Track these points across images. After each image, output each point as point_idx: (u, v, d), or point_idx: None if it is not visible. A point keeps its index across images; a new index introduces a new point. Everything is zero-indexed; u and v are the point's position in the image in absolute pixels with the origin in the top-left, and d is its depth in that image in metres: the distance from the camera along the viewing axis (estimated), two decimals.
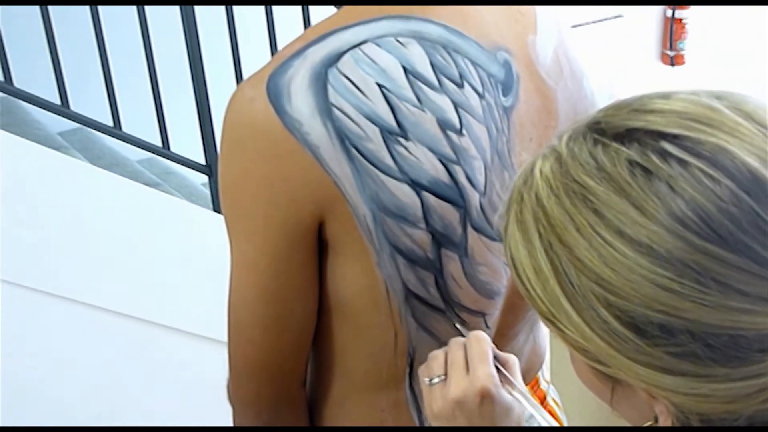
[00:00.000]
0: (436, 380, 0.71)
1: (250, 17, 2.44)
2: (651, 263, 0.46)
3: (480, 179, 0.74)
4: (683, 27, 4.85)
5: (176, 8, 2.22)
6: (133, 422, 2.26)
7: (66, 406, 2.22)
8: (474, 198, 0.74)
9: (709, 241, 0.45)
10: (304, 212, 0.71)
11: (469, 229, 0.75)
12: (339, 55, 0.70)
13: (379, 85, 0.70)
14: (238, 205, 0.74)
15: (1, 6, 2.05)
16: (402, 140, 0.70)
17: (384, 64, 0.70)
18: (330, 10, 0.80)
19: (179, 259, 2.30)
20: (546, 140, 0.79)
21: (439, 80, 0.72)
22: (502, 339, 0.88)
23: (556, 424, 0.70)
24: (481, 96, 0.74)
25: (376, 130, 0.70)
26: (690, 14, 4.82)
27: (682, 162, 0.47)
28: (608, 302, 0.48)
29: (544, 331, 1.00)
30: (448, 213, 0.73)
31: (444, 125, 0.72)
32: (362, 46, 0.71)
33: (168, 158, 2.40)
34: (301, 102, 0.69)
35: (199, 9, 2.26)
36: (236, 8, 2.34)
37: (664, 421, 0.52)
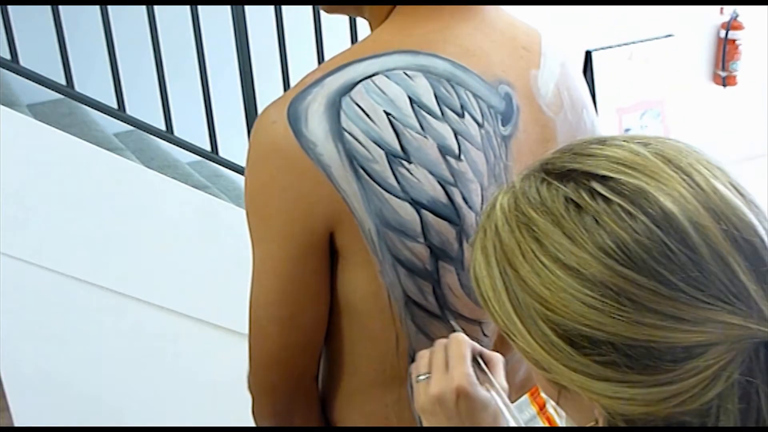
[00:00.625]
0: (422, 378, 0.78)
1: (298, 25, 2.54)
2: (579, 285, 0.54)
3: (476, 200, 0.81)
4: (737, 48, 4.81)
5: (229, 19, 2.33)
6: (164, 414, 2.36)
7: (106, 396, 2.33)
8: (470, 217, 0.81)
9: (626, 267, 0.53)
10: (317, 223, 0.79)
11: (465, 245, 0.82)
12: (352, 85, 0.78)
13: (387, 113, 0.78)
14: (259, 214, 0.83)
15: (65, 17, 2.17)
16: (405, 163, 0.78)
17: (392, 94, 0.78)
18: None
19: (224, 259, 2.40)
20: None
21: (441, 110, 0.79)
22: (502, 347, 0.94)
23: (522, 424, 0.77)
24: (480, 125, 0.81)
25: (382, 153, 0.77)
26: (744, 35, 4.78)
27: (606, 200, 0.55)
28: (546, 317, 0.56)
29: None
30: (445, 230, 0.80)
31: (444, 151, 0.79)
32: (373, 78, 0.78)
33: (215, 162, 2.50)
34: (316, 125, 0.77)
35: (249, 19, 2.36)
36: (285, 17, 2.43)
37: (603, 422, 0.58)
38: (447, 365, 0.77)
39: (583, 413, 0.62)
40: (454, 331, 0.86)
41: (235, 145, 2.52)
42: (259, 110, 2.38)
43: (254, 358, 0.89)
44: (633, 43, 4.15)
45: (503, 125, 0.84)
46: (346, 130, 0.77)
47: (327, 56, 2.50)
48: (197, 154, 2.47)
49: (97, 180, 2.16)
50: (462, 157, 0.80)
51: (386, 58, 0.80)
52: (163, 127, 2.37)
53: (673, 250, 0.52)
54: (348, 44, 2.54)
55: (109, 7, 2.19)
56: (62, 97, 2.52)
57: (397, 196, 0.78)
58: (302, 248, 0.81)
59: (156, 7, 2.25)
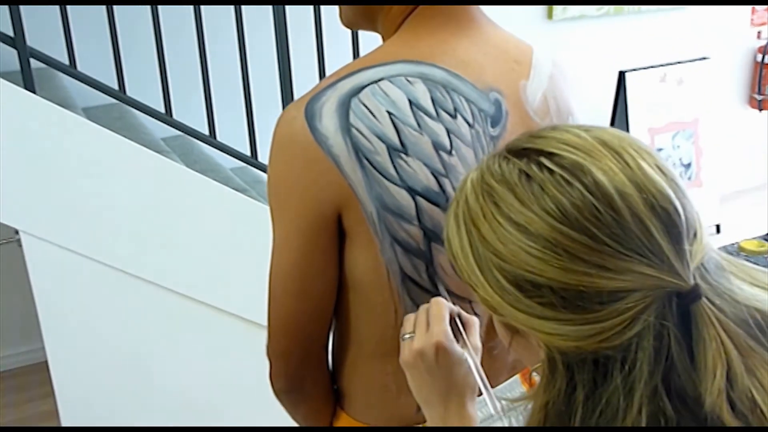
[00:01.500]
0: (407, 336, 0.90)
1: (337, 37, 2.68)
2: (526, 239, 0.66)
3: None
4: None
5: (271, 33, 2.48)
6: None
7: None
8: None
9: (563, 225, 0.65)
10: (326, 205, 0.92)
11: None
12: (361, 88, 0.91)
13: (389, 113, 0.90)
14: (278, 197, 0.96)
15: (120, 26, 2.33)
16: (403, 156, 0.90)
17: (394, 97, 0.91)
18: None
19: (260, 258, 2.53)
20: None
21: (436, 111, 0.91)
22: (493, 330, 1.06)
23: (486, 385, 0.88)
24: (470, 125, 0.93)
25: (384, 146, 0.90)
26: None
27: (551, 171, 0.67)
28: (500, 267, 0.68)
29: None
30: (437, 214, 0.92)
31: (437, 146, 0.91)
32: (379, 82, 0.91)
33: (255, 167, 2.65)
34: (328, 121, 0.90)
35: (290, 31, 2.50)
36: (325, 30, 2.57)
37: (544, 359, 0.70)
38: (428, 325, 0.89)
39: (533, 355, 0.73)
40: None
41: None
42: None
43: (271, 325, 1.01)
44: (668, 65, 4.22)
45: (492, 126, 0.96)
46: (353, 126, 0.90)
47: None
48: (238, 159, 2.62)
49: (144, 179, 2.31)
50: (453, 152, 0.92)
51: (391, 66, 0.93)
52: (207, 132, 2.53)
53: (601, 212, 0.64)
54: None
55: (161, 20, 2.36)
56: (114, 102, 2.70)
57: (395, 184, 0.91)
58: (313, 227, 0.93)
59: (205, 22, 2.42)
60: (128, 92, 2.40)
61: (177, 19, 2.57)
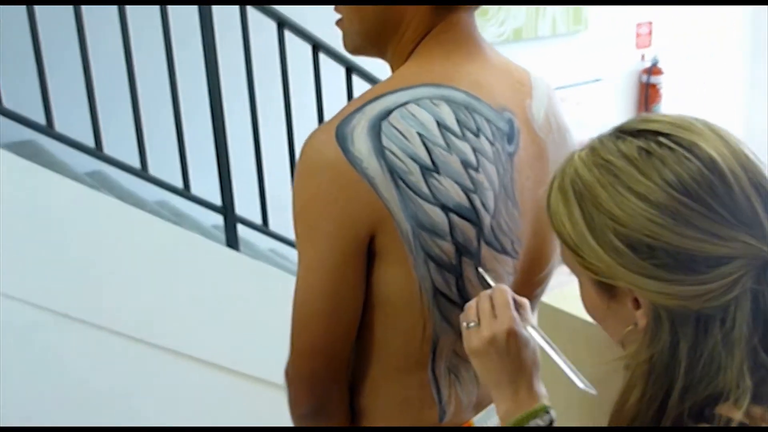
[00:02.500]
0: (471, 325, 0.95)
1: (268, 75, 2.71)
2: (647, 206, 0.75)
3: (491, 205, 0.98)
4: (657, 91, 5.16)
5: (201, 69, 2.49)
6: None
7: None
8: (486, 219, 0.98)
9: (682, 194, 0.74)
10: (361, 227, 0.95)
11: (482, 243, 0.98)
12: (389, 112, 0.95)
13: (419, 134, 0.94)
14: (310, 220, 0.97)
15: (46, 57, 2.28)
16: (435, 174, 0.94)
17: (422, 119, 0.95)
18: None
19: (195, 291, 2.52)
20: (540, 178, 1.05)
21: (461, 131, 0.96)
22: None
23: (561, 357, 0.95)
24: (491, 144, 0.98)
25: (417, 166, 0.94)
26: (664, 79, 5.13)
27: (670, 148, 0.77)
28: (616, 231, 0.76)
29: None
30: (468, 230, 0.97)
31: (465, 164, 0.96)
32: (406, 105, 0.95)
33: (188, 199, 2.63)
34: (361, 144, 0.93)
35: (222, 70, 2.52)
36: (255, 66, 2.61)
37: (641, 324, 0.79)
38: (494, 312, 0.95)
39: (622, 321, 0.82)
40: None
41: (203, 184, 2.67)
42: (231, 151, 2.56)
43: (298, 349, 1.02)
44: (566, 87, 4.43)
45: (508, 143, 1.01)
46: (386, 148, 0.93)
47: (294, 105, 2.68)
48: (171, 191, 2.59)
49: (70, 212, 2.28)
50: (479, 169, 0.97)
51: (414, 90, 0.97)
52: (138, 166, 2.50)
53: (716, 186, 0.74)
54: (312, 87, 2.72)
55: (90, 53, 2.32)
56: (27, 139, 2.64)
57: (429, 202, 0.94)
58: (348, 248, 0.95)
59: (135, 55, 2.40)
60: (56, 127, 2.35)
61: (104, 50, 2.53)
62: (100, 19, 2.52)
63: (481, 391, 1.12)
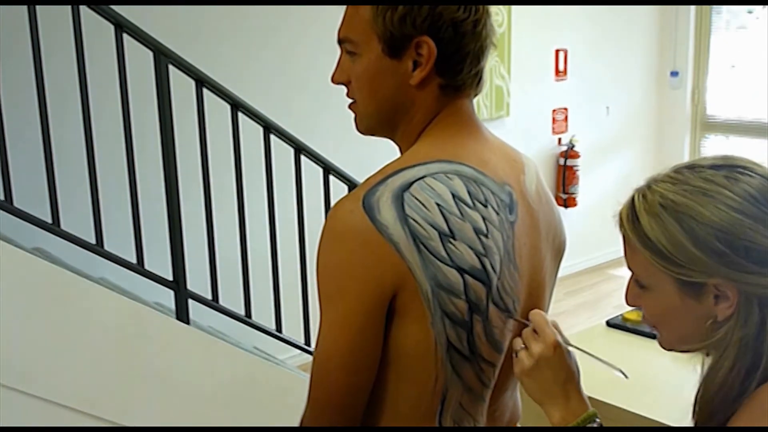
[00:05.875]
0: (520, 350, 1.11)
1: (223, 152, 2.80)
2: (743, 217, 0.94)
3: (498, 267, 1.09)
4: (574, 173, 5.45)
5: (158, 144, 2.56)
6: None
7: None
8: (494, 280, 1.08)
9: (762, 204, 0.95)
10: (386, 286, 1.04)
11: (490, 302, 1.09)
12: (410, 184, 1.06)
13: (437, 204, 1.05)
14: (335, 282, 1.06)
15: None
16: (452, 240, 1.05)
17: (439, 191, 1.06)
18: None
19: (142, 363, 2.53)
20: (534, 243, 1.17)
21: (473, 202, 1.08)
22: (497, 389, 1.20)
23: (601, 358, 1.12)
24: (497, 213, 1.10)
25: (436, 233, 1.04)
26: (580, 162, 5.43)
27: (751, 176, 0.97)
28: (718, 237, 0.94)
29: (519, 394, 1.33)
30: (479, 289, 1.07)
31: (477, 231, 1.07)
32: (425, 179, 1.06)
33: (141, 274, 2.65)
34: (386, 213, 1.03)
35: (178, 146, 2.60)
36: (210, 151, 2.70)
37: (722, 316, 0.97)
38: (535, 333, 1.10)
39: (697, 319, 0.99)
40: (480, 370, 1.12)
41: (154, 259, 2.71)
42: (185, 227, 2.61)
43: (316, 401, 1.08)
44: None
45: (510, 213, 1.13)
46: (409, 216, 1.04)
47: (246, 183, 2.76)
48: (125, 267, 2.62)
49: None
50: (489, 235, 1.08)
51: (430, 165, 1.08)
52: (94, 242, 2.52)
53: None
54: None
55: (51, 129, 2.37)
56: None
57: (447, 264, 1.05)
58: (373, 306, 1.04)
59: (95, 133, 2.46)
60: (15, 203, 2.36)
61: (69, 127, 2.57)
62: (60, 95, 2.57)
63: None
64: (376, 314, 1.06)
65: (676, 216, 0.97)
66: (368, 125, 1.20)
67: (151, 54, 2.54)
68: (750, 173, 0.98)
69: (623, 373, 1.13)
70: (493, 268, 1.09)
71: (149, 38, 2.52)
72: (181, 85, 2.65)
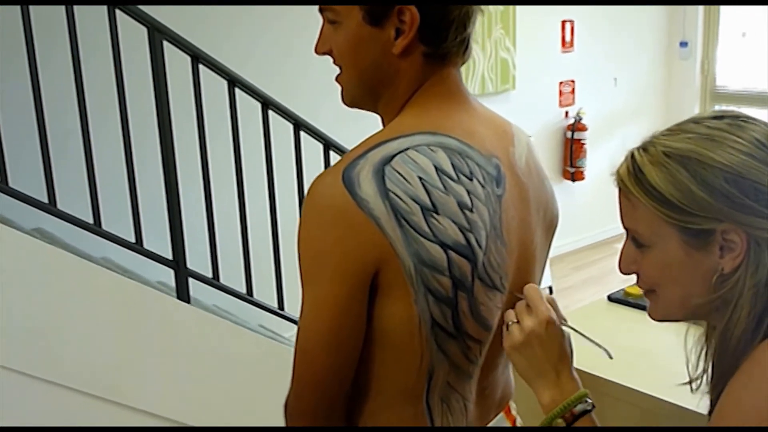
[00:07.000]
0: (512, 323, 1.07)
1: (221, 129, 2.77)
2: (747, 158, 0.92)
3: (483, 242, 1.05)
4: (582, 146, 5.39)
5: (155, 122, 2.53)
6: None
7: None
8: (480, 255, 1.05)
9: (765, 152, 0.93)
10: (367, 263, 1.01)
11: (476, 278, 1.06)
12: (391, 157, 1.02)
13: (420, 178, 1.02)
14: (315, 258, 1.03)
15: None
16: (434, 215, 1.02)
17: (422, 163, 1.02)
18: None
19: (145, 343, 2.52)
20: (523, 218, 1.14)
21: (457, 175, 1.04)
22: (487, 367, 1.18)
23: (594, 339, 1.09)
24: (483, 186, 1.07)
25: (418, 207, 1.01)
26: (588, 135, 5.37)
27: (755, 124, 0.97)
28: (727, 179, 0.92)
29: (511, 371, 1.30)
30: (464, 265, 1.04)
31: (461, 205, 1.03)
32: (407, 151, 1.03)
33: (140, 253, 2.63)
34: (367, 187, 1.00)
35: (176, 135, 2.57)
36: (208, 128, 2.67)
37: (728, 268, 0.94)
38: (528, 308, 1.07)
39: (704, 272, 0.96)
40: (467, 348, 1.10)
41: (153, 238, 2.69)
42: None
43: (300, 381, 1.06)
44: None
45: (497, 186, 1.10)
46: (390, 191, 1.00)
47: (244, 167, 2.73)
48: (124, 246, 2.60)
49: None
50: (473, 209, 1.04)
51: (413, 137, 1.05)
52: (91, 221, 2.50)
53: None
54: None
55: (45, 109, 2.35)
56: None
57: (430, 240, 1.01)
58: (355, 284, 1.01)
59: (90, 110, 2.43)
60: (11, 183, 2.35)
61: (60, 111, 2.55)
62: (55, 76, 2.55)
63: (468, 421, 1.18)
64: (356, 292, 1.03)
65: (682, 162, 0.95)
66: (352, 97, 1.16)
67: (145, 30, 2.50)
68: (753, 122, 0.97)
69: (609, 354, 1.09)
70: (478, 243, 1.05)
71: (144, 15, 2.49)
72: (177, 63, 2.62)
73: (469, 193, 1.05)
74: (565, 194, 5.33)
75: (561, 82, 5.27)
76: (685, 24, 5.63)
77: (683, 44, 5.67)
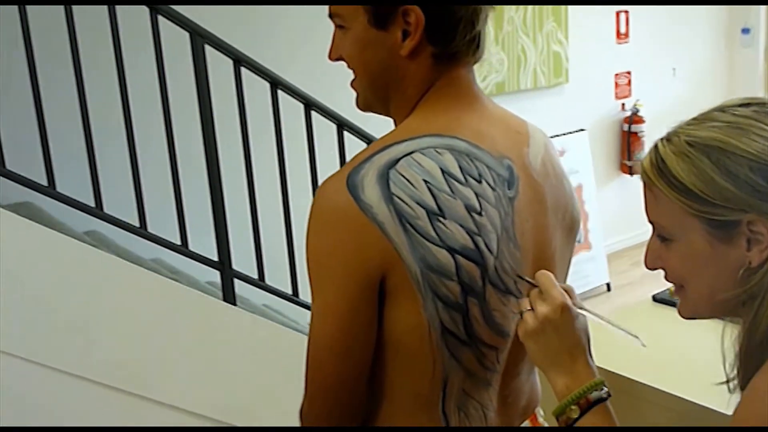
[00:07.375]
0: (526, 311, 1.03)
1: (263, 143, 2.79)
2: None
3: (494, 247, 1.03)
4: (639, 139, 5.27)
5: (198, 125, 2.56)
6: None
7: None
8: (490, 260, 1.03)
9: None
10: (372, 269, 1.00)
11: (487, 283, 1.04)
12: (396, 161, 1.01)
13: (425, 181, 1.00)
14: (322, 265, 1.02)
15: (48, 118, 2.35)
16: (441, 219, 1.00)
17: (428, 167, 1.00)
18: None
19: (193, 345, 2.55)
20: (539, 220, 1.10)
21: (464, 178, 1.02)
22: (508, 374, 1.15)
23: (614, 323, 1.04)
24: (493, 189, 1.04)
25: (424, 211, 0.99)
26: (646, 128, 5.24)
27: None
28: (752, 168, 0.88)
29: (538, 377, 1.26)
30: (473, 270, 1.02)
31: (469, 209, 1.01)
32: (412, 155, 1.01)
33: (186, 255, 2.67)
34: (370, 192, 0.99)
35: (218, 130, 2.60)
36: (249, 126, 2.69)
37: (756, 261, 0.90)
38: (542, 295, 1.03)
39: (729, 265, 0.93)
40: (481, 354, 1.07)
41: (199, 240, 2.72)
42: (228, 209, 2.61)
43: (313, 388, 1.06)
44: (552, 137, 4.52)
45: (509, 189, 1.07)
46: (395, 195, 0.99)
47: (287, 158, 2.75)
48: (169, 248, 2.64)
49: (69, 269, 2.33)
50: (482, 213, 1.02)
51: (420, 140, 1.03)
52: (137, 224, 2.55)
53: None
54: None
55: (90, 114, 2.39)
56: (23, 201, 2.69)
57: (436, 245, 1.00)
58: (360, 290, 1.00)
59: (134, 116, 2.47)
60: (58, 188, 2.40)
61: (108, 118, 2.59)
62: (100, 81, 2.59)
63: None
64: (363, 299, 1.02)
65: (706, 151, 0.91)
66: (365, 101, 1.15)
67: (187, 35, 2.53)
68: None
69: (641, 342, 1.04)
70: (488, 247, 1.03)
71: (185, 20, 2.51)
72: (219, 66, 2.64)
73: (477, 195, 1.03)
74: (623, 189, 5.22)
75: (617, 74, 5.16)
76: (746, 9, 5.45)
77: (745, 31, 5.48)
